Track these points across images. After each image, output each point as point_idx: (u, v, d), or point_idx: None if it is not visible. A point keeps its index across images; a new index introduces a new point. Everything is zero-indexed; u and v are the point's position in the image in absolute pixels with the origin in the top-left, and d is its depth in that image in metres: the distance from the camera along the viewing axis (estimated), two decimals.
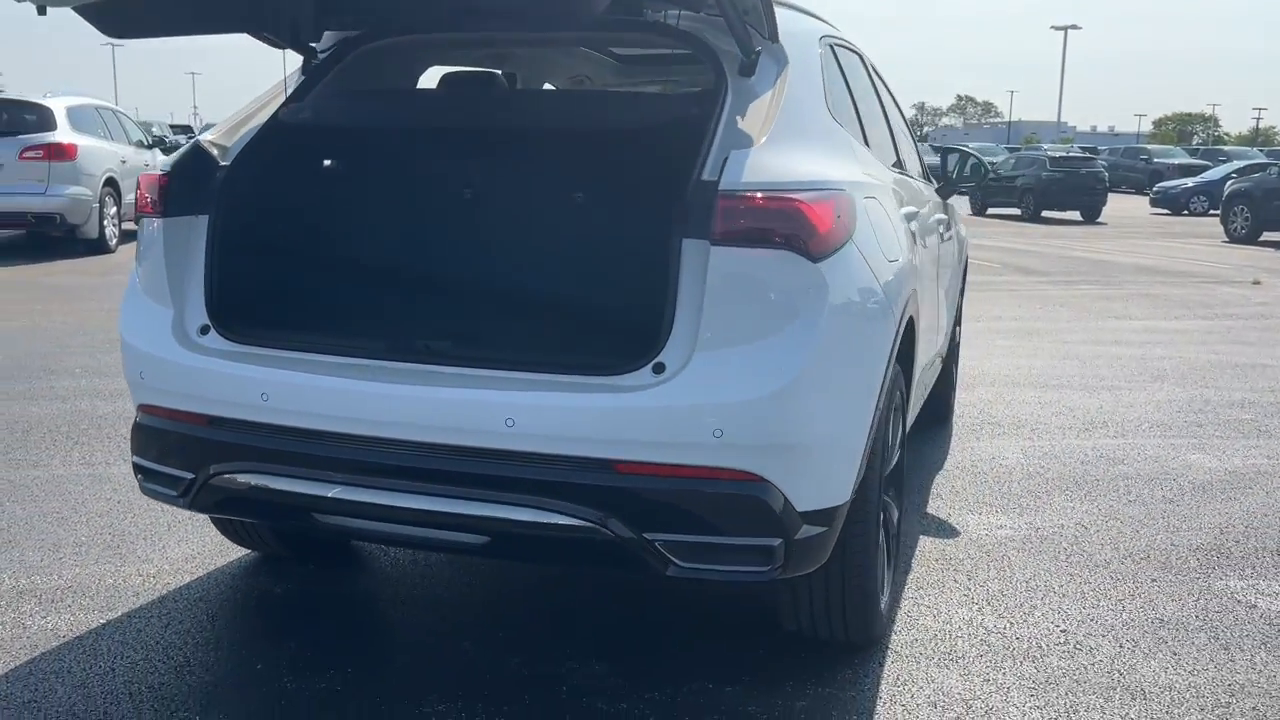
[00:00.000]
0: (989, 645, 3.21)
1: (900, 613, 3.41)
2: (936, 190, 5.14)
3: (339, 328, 2.92)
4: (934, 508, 4.45)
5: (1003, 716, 2.81)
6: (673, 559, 2.51)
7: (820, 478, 2.59)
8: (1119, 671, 3.07)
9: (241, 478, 2.75)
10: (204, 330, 2.85)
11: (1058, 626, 3.35)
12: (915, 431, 5.67)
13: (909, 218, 3.47)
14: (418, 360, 2.67)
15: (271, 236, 3.03)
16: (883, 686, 2.94)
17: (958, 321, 6.12)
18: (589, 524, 2.48)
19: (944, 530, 4.18)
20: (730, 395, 2.44)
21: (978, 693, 2.92)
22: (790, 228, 2.47)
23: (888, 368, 2.83)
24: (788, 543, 2.52)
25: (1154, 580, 3.74)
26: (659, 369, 2.48)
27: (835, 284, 2.55)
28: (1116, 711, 2.85)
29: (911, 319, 3.25)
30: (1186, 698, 2.93)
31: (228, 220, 2.90)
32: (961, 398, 6.44)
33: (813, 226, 2.50)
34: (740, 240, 2.46)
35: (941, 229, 4.96)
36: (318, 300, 3.12)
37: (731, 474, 2.47)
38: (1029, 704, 2.87)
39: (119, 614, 3.27)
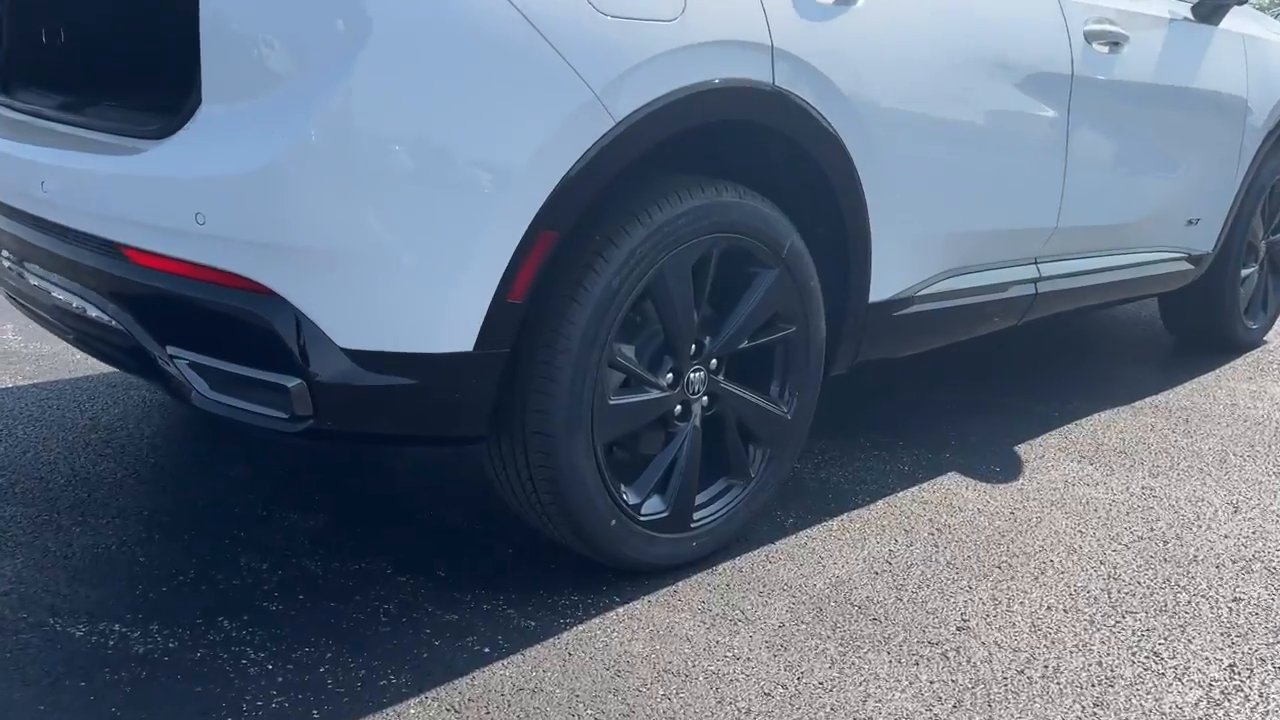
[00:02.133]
0: (824, 609, 2.22)
1: (758, 555, 2.49)
2: (1192, 9, 3.64)
3: (39, 86, 2.65)
4: (1035, 445, 3.21)
5: (695, 680, 1.92)
6: (195, 385, 1.98)
7: (382, 306, 1.88)
8: (957, 671, 1.96)
9: None
10: None
11: (959, 615, 2.24)
12: (1141, 359, 4.20)
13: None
14: (46, 118, 2.33)
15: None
16: (587, 624, 2.16)
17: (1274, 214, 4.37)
18: (116, 325, 2.04)
19: (998, 474, 2.99)
20: (210, 167, 1.83)
21: (697, 653, 2.03)
22: None
23: (576, 173, 1.94)
24: (312, 386, 1.87)
25: (1215, 586, 2.37)
26: None
27: (398, 18, 1.79)
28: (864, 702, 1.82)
29: (766, 126, 2.27)
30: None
31: None
32: None
33: None
34: None
35: (1178, 58, 3.54)
36: (40, 61, 2.80)
37: (231, 279, 1.87)
38: (751, 674, 1.93)
39: (20, 381, 3.39)
